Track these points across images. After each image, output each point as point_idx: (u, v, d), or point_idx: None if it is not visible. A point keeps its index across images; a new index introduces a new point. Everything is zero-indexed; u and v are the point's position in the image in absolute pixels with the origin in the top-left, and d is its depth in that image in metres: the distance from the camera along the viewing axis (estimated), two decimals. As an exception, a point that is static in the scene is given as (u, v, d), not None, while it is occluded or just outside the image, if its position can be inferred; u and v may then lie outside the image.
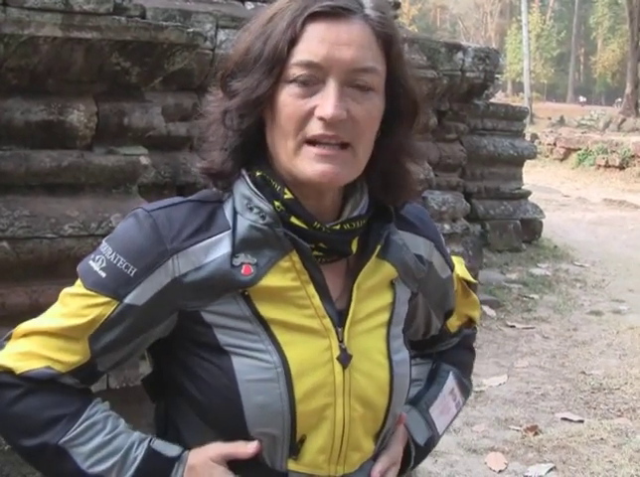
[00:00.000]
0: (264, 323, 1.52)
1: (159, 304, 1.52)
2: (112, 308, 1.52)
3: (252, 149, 1.56)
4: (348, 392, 1.55)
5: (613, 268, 11.51)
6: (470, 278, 1.95)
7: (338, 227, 1.56)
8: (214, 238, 1.52)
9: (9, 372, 1.55)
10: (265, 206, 1.52)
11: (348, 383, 1.55)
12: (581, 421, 5.93)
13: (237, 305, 1.52)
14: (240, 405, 1.49)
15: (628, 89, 37.36)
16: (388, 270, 1.65)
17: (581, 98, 61.70)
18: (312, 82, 1.47)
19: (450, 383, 1.92)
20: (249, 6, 7.04)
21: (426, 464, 4.97)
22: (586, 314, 9.08)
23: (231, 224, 1.54)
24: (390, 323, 1.65)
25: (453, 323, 1.94)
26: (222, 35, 6.41)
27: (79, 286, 1.56)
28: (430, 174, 8.33)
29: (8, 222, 3.98)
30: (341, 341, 1.56)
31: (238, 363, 1.50)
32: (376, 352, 1.61)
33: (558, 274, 10.80)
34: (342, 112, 1.45)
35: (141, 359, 4.90)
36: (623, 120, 32.99)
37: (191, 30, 4.46)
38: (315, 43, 1.46)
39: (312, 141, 1.48)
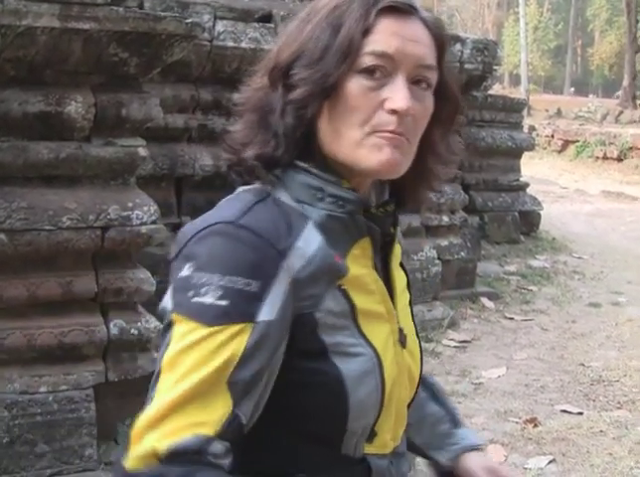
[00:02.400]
0: (355, 315, 1.51)
1: (286, 313, 1.43)
2: (249, 334, 1.38)
3: (306, 140, 1.54)
4: (404, 370, 1.61)
5: (612, 260, 11.51)
6: None
7: (382, 210, 1.60)
8: (305, 230, 1.48)
9: (152, 457, 1.32)
10: (347, 194, 1.51)
11: (404, 362, 1.61)
12: (581, 413, 5.93)
13: (339, 301, 1.49)
14: (346, 404, 1.47)
15: (626, 82, 37.47)
16: (399, 252, 1.73)
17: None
18: (381, 75, 1.48)
19: (440, 388, 2.00)
20: (248, -3, 7.01)
21: (426, 456, 4.95)
22: (585, 306, 9.07)
23: (306, 214, 1.51)
24: (411, 302, 1.74)
25: None
26: (220, 26, 6.39)
27: (191, 332, 1.37)
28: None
29: (6, 214, 3.96)
30: (398, 323, 1.61)
31: (341, 362, 1.47)
32: (411, 330, 1.68)
33: (556, 266, 10.79)
34: (412, 106, 1.47)
35: (140, 352, 4.88)
36: (621, 112, 33.06)
37: (189, 20, 4.44)
38: (388, 35, 1.47)
39: (378, 132, 1.48)
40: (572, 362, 7.16)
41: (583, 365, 7.06)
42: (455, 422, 1.90)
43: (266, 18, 6.64)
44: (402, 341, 1.61)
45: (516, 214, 11.59)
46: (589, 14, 74.80)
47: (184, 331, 1.38)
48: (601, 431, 5.59)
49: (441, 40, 1.56)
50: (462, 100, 1.65)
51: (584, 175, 23.09)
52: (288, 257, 1.43)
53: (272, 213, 1.48)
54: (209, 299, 1.37)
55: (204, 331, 1.36)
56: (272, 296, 1.40)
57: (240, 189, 1.57)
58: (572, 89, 62.87)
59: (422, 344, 1.83)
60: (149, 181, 5.91)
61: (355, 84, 1.47)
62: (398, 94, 1.46)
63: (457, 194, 8.85)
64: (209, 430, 1.34)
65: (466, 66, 8.82)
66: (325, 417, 1.49)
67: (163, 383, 1.37)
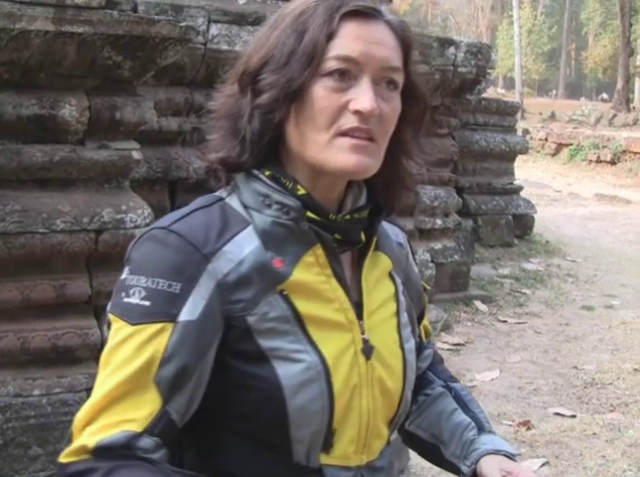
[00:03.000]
0: (301, 321, 1.52)
1: (211, 315, 1.48)
2: (169, 333, 1.45)
3: (272, 145, 1.58)
4: (370, 382, 1.59)
5: (605, 263, 11.52)
6: (426, 285, 1.99)
7: (349, 216, 1.60)
8: (241, 234, 1.53)
9: (84, 452, 1.42)
10: (290, 201, 1.53)
11: (370, 373, 1.59)
12: (574, 416, 5.94)
13: (278, 306, 1.51)
14: (284, 410, 1.48)
15: (619, 85, 37.60)
16: (384, 262, 1.73)
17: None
18: (347, 78, 1.51)
19: (472, 397, 1.95)
20: (241, 1, 7.02)
21: (419, 459, 4.96)
22: (578, 309, 9.09)
23: (248, 219, 1.55)
24: (398, 313, 1.72)
25: (421, 331, 1.95)
26: (214, 29, 6.40)
27: (119, 330, 1.47)
28: (422, 169, 8.31)
29: (-1, 217, 3.96)
30: (362, 333, 1.60)
31: (280, 367, 1.49)
32: (391, 342, 1.67)
33: (550, 269, 10.80)
34: (378, 107, 1.50)
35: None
36: (614, 116, 33.13)
37: (183, 24, 4.44)
38: (351, 39, 1.51)
39: (345, 133, 1.51)
40: (566, 365, 7.17)
41: (576, 368, 7.07)
42: (481, 429, 1.84)
43: (260, 21, 6.64)
44: (367, 352, 1.59)
45: (510, 217, 11.61)
46: (583, 17, 74.92)
47: (115, 329, 1.48)
48: (594, 434, 5.61)
49: (407, 41, 1.59)
50: (430, 100, 1.67)
51: (578, 178, 23.13)
52: (213, 261, 1.49)
53: (209, 218, 1.54)
54: (135, 299, 1.47)
55: (129, 329, 1.46)
56: (194, 297, 1.46)
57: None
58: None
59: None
60: (143, 184, 5.92)
61: (320, 88, 1.51)
62: (362, 96, 1.49)
63: (451, 197, 8.86)
64: (136, 427, 1.42)
65: (460, 69, 8.83)
66: (265, 422, 1.50)
67: (98, 379, 1.47)
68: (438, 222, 8.63)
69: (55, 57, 4.07)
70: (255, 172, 1.57)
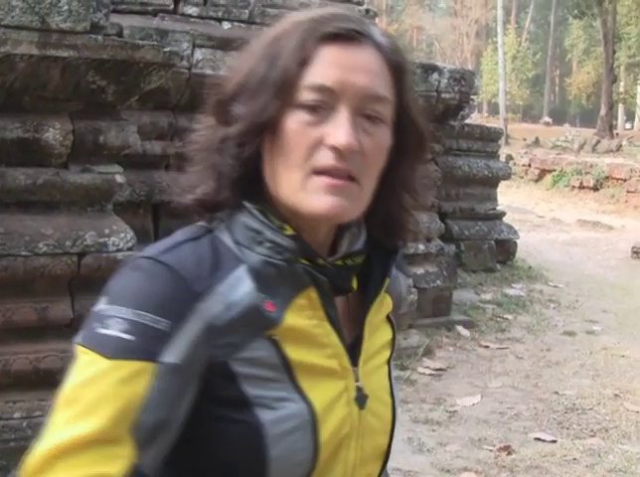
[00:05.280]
0: (290, 369, 1.36)
1: (195, 358, 1.30)
2: (152, 374, 1.26)
3: (251, 180, 1.41)
4: (361, 433, 1.44)
5: (587, 289, 11.56)
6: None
7: (340, 262, 1.44)
8: (234, 273, 1.36)
9: None
10: (284, 241, 1.37)
11: (361, 424, 1.44)
12: (554, 441, 5.95)
13: (266, 351, 1.35)
14: (266, 460, 1.32)
15: (603, 111, 37.82)
16: (388, 304, 1.59)
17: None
18: (322, 109, 1.34)
19: None
20: (226, 26, 7.07)
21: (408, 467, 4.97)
22: (560, 335, 9.11)
23: (241, 257, 1.38)
24: (390, 359, 1.57)
25: None
26: (198, 54, 6.44)
27: (92, 364, 1.27)
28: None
29: (-18, 239, 3.97)
30: (356, 381, 1.45)
31: (263, 415, 1.33)
32: (383, 390, 1.52)
33: (532, 295, 10.83)
34: (356, 142, 1.33)
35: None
36: (598, 142, 33.28)
37: (167, 49, 4.48)
38: (327, 66, 1.34)
39: (320, 172, 1.34)
40: (547, 390, 7.18)
41: (557, 393, 7.08)
42: None
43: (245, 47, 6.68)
44: (360, 401, 1.44)
45: (492, 242, 11.64)
46: (567, 44, 75.38)
47: (85, 362, 1.29)
48: (575, 459, 5.62)
49: (398, 66, 1.41)
50: (428, 130, 1.49)
51: (561, 204, 23.20)
52: (205, 300, 1.32)
53: (200, 252, 1.37)
54: (113, 331, 1.28)
55: (105, 364, 1.26)
56: (181, 338, 1.29)
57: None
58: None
59: (398, 372, 1.70)
60: (127, 207, 5.93)
61: (293, 120, 1.34)
62: (339, 130, 1.32)
63: (433, 222, 8.89)
64: None
65: (443, 95, 8.88)
66: (244, 471, 1.35)
67: (59, 418, 1.27)
68: (421, 247, 8.65)
69: (39, 80, 4.09)
70: (247, 205, 1.40)
